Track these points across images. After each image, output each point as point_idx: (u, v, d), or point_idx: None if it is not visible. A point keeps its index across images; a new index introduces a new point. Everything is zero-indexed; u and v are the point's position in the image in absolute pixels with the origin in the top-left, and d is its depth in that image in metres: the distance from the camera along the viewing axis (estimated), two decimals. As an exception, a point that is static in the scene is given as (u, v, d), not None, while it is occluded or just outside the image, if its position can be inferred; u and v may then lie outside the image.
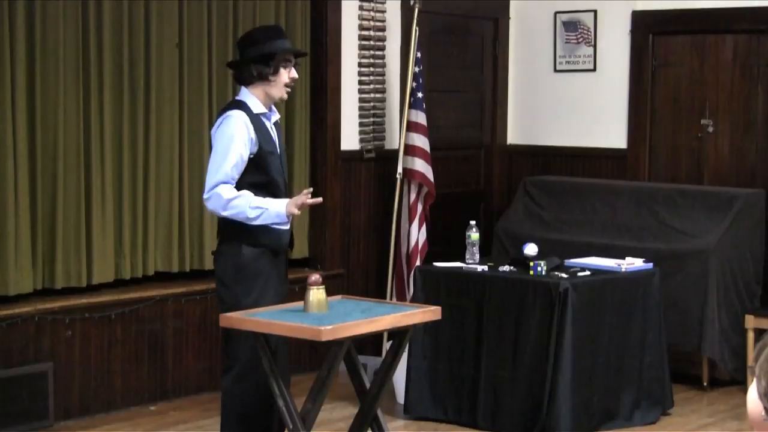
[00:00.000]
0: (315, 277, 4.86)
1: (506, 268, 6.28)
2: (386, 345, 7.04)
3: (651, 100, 8.02)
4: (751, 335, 6.95)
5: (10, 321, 6.00)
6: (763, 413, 2.00)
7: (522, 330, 6.01)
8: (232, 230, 4.94)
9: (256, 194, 4.87)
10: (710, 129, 7.78)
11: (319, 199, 5.04)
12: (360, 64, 7.62)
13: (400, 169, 7.36)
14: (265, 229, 4.89)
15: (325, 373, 4.70)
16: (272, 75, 4.93)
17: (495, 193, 8.65)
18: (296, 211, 4.89)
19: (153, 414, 6.48)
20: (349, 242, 7.66)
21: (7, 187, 6.02)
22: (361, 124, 7.64)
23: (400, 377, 6.38)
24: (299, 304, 4.87)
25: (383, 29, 7.76)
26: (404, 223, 7.40)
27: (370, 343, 7.34)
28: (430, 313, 5.03)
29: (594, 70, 8.26)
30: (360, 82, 7.63)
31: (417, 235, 7.37)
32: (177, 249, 6.82)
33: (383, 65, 7.77)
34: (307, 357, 7.30)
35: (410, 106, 7.38)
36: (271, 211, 4.86)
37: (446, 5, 8.14)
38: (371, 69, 7.69)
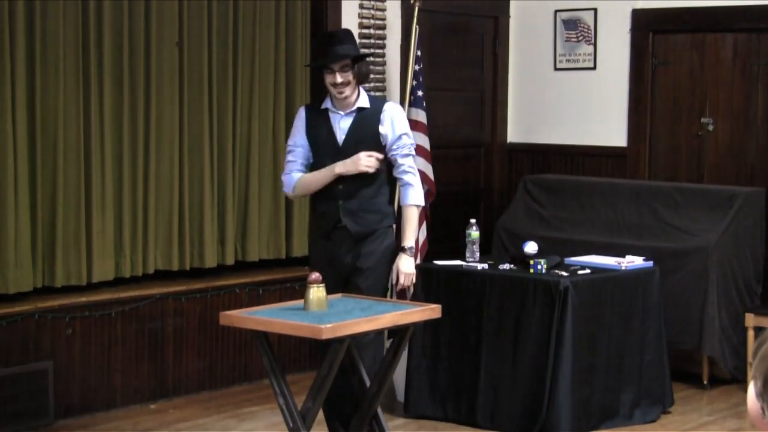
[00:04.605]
0: (315, 275, 4.86)
1: (506, 266, 6.28)
2: (386, 343, 7.04)
3: (651, 98, 8.02)
4: (751, 333, 6.94)
5: (10, 319, 6.00)
6: (762, 412, 2.00)
7: (522, 328, 6.01)
8: None
9: None
10: (710, 127, 7.78)
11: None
12: (360, 63, 7.61)
13: (400, 168, 7.35)
14: (315, 209, 5.59)
15: (325, 372, 4.70)
16: (325, 80, 5.46)
17: (495, 191, 8.66)
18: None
19: (153, 412, 6.48)
20: (349, 241, 7.65)
21: (7, 185, 6.02)
22: (361, 123, 7.64)
23: (400, 376, 6.38)
24: (299, 302, 4.88)
25: (383, 28, 7.76)
26: (404, 221, 7.39)
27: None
28: (430, 311, 5.03)
29: (594, 68, 8.26)
30: (360, 81, 7.62)
31: (417, 233, 7.36)
32: (177, 247, 6.81)
33: (383, 63, 7.77)
34: (307, 355, 7.30)
35: (410, 105, 7.38)
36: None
37: (446, 4, 8.13)
38: (371, 67, 7.67)
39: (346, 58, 5.37)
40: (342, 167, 5.38)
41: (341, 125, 5.46)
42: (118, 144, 6.54)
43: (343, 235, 5.44)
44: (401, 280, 5.50)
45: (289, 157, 5.55)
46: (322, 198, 5.49)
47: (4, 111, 5.99)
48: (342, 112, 5.46)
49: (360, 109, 5.46)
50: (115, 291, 6.52)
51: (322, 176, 5.44)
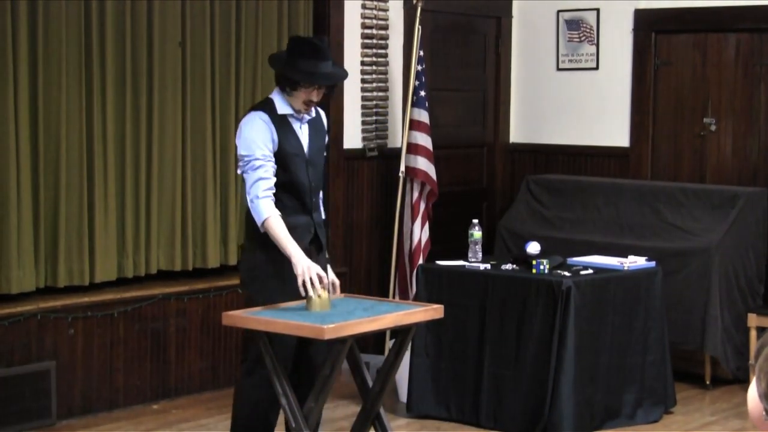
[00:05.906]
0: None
1: (509, 266, 6.28)
2: (389, 343, 7.04)
3: (653, 98, 8.02)
4: (753, 334, 6.95)
5: (13, 319, 6.01)
6: (764, 414, 2.00)
7: (524, 328, 6.01)
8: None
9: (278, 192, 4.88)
10: (713, 127, 7.78)
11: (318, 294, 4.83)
12: (363, 63, 7.62)
13: (402, 168, 7.36)
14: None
15: (327, 372, 4.70)
16: (292, 90, 4.94)
17: (497, 191, 8.65)
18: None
19: (155, 412, 6.49)
20: (352, 241, 7.66)
21: (10, 185, 6.02)
22: (363, 123, 7.65)
23: (402, 376, 6.38)
24: (302, 302, 4.87)
25: (386, 28, 7.76)
26: (407, 221, 7.40)
27: (372, 341, 7.34)
28: (433, 311, 5.03)
29: (596, 68, 8.26)
30: (363, 81, 7.63)
31: (419, 233, 7.37)
32: (180, 247, 6.82)
33: (386, 64, 7.77)
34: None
35: (413, 105, 7.38)
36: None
37: (449, 4, 8.13)
38: (374, 67, 7.69)
39: (338, 81, 4.99)
40: (299, 262, 4.74)
41: (303, 132, 5.02)
42: (121, 144, 6.54)
43: (311, 252, 5.02)
44: (337, 292, 5.07)
45: (262, 173, 4.84)
46: (295, 210, 4.97)
47: (7, 111, 5.99)
48: (300, 120, 5.01)
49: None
50: (117, 291, 6.52)
51: (283, 244, 4.80)
